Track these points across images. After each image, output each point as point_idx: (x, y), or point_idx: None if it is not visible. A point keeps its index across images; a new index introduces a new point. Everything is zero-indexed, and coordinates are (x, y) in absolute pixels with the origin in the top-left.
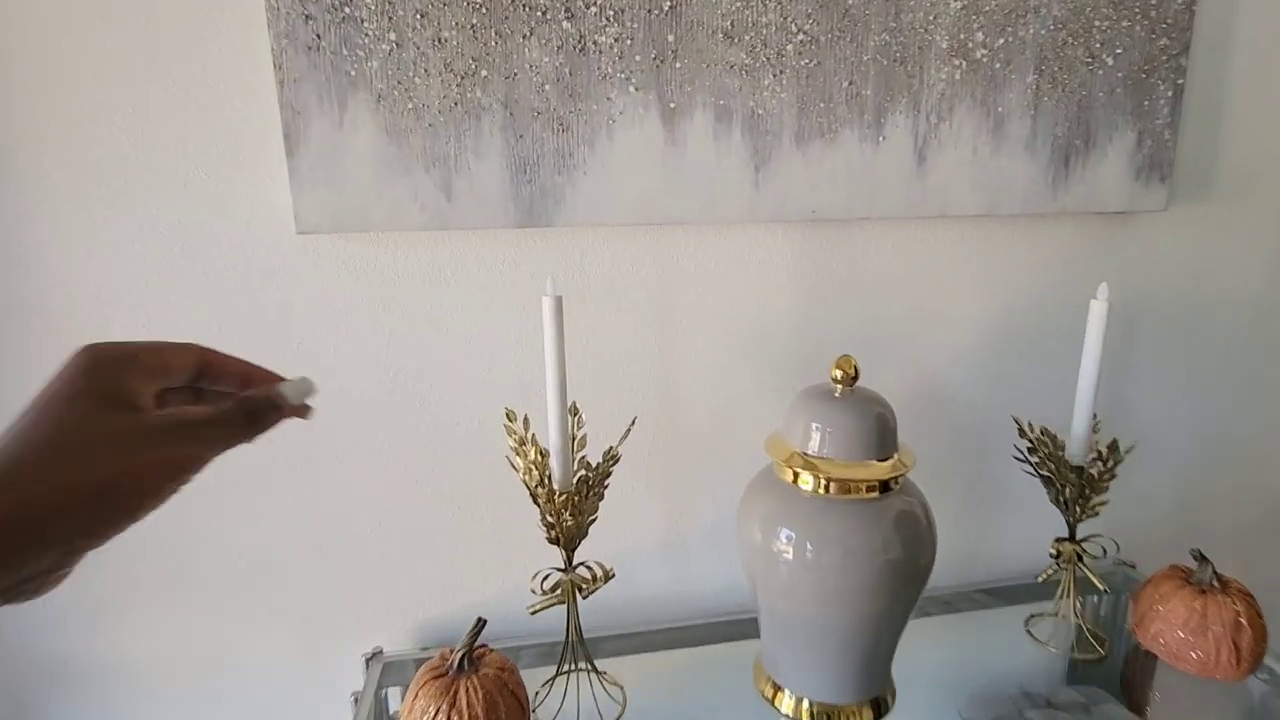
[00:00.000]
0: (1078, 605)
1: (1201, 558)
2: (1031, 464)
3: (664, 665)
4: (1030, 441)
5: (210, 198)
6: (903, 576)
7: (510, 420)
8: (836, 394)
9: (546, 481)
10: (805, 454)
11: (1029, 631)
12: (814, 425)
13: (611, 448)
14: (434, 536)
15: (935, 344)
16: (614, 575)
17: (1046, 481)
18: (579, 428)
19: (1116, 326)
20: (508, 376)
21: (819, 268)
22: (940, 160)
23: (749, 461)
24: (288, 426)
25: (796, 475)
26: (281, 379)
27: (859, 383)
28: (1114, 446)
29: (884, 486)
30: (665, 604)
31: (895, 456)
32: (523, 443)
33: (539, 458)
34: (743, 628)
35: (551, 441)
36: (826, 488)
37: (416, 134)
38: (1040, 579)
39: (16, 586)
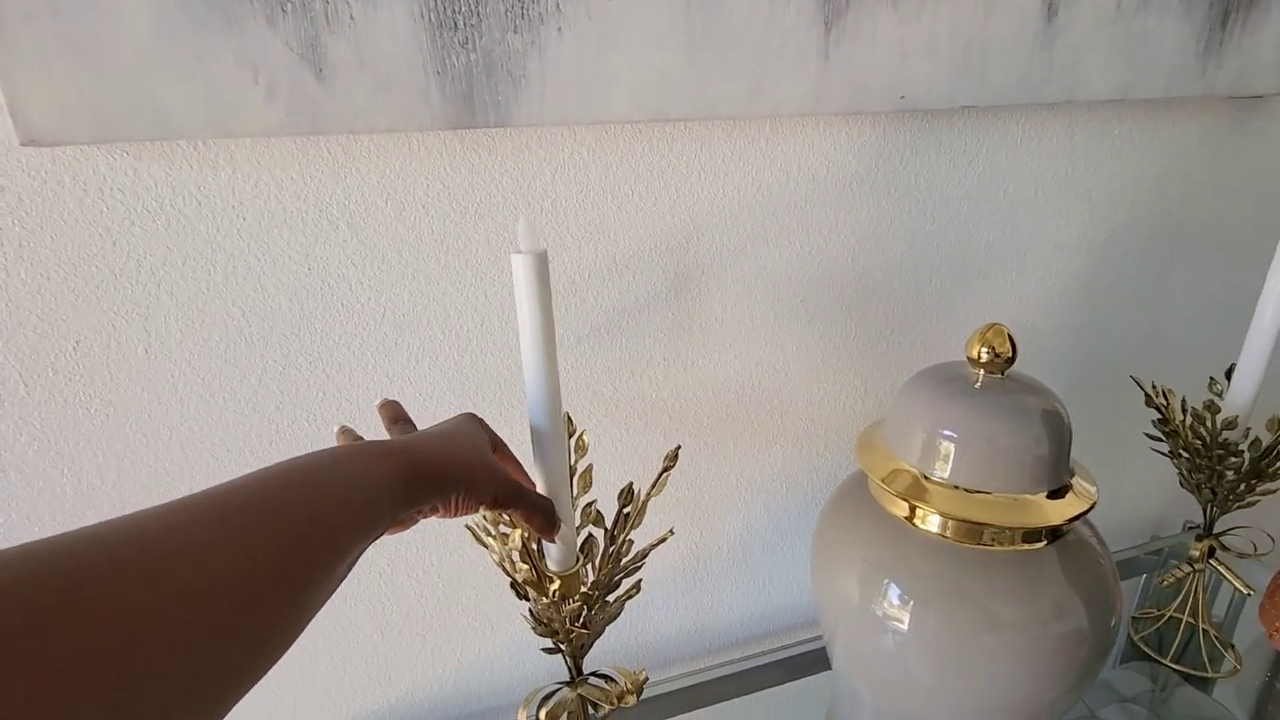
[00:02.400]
0: (1203, 610)
1: None
2: (1163, 436)
3: None
4: (1159, 410)
5: None
6: (1081, 655)
7: None
8: (978, 384)
9: (536, 558)
10: (928, 478)
11: (1136, 642)
12: (943, 434)
13: (631, 489)
14: (354, 607)
15: (1031, 280)
16: (648, 680)
17: (1185, 463)
18: (580, 453)
19: (1259, 254)
20: (448, 383)
21: (900, 182)
22: (1076, 17)
23: (795, 461)
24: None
25: (914, 510)
26: (543, 497)
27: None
28: None
29: (1054, 534)
30: (681, 644)
31: (1072, 485)
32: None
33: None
34: (775, 672)
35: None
36: (963, 532)
37: None
38: (1165, 584)
39: (406, 513)
